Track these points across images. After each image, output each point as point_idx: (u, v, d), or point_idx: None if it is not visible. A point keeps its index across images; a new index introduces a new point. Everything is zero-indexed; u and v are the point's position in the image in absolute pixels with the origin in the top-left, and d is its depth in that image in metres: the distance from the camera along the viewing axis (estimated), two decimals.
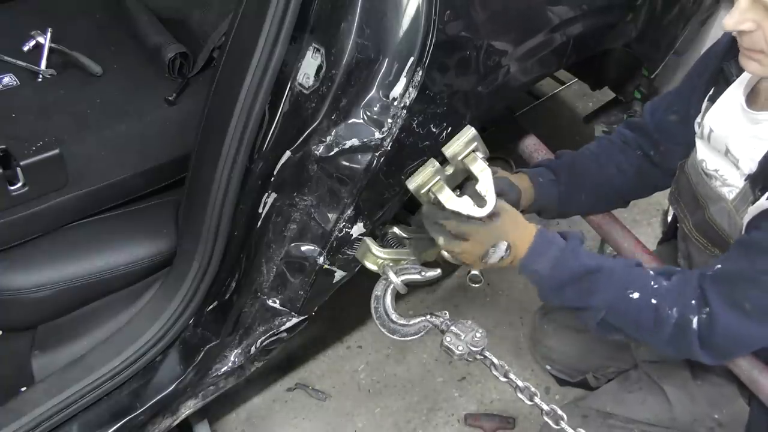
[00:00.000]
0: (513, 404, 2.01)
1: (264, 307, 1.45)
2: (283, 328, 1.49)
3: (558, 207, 1.42)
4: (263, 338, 1.50)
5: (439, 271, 1.30)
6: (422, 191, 1.22)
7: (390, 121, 1.19)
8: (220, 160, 1.27)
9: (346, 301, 2.05)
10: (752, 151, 1.10)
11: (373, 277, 1.30)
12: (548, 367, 1.70)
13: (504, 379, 1.19)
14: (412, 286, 1.30)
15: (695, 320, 1.07)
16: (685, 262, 1.39)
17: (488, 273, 2.34)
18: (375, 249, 1.30)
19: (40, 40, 1.81)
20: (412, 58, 1.15)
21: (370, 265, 1.31)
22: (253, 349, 1.51)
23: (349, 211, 1.29)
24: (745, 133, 1.13)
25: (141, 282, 1.57)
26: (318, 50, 1.17)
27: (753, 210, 1.09)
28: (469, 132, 1.21)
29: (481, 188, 1.17)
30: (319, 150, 1.23)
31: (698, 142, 1.25)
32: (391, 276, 1.26)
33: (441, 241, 1.20)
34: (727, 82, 1.20)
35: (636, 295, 1.11)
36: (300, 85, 1.20)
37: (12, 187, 1.44)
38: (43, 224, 1.51)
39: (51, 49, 1.80)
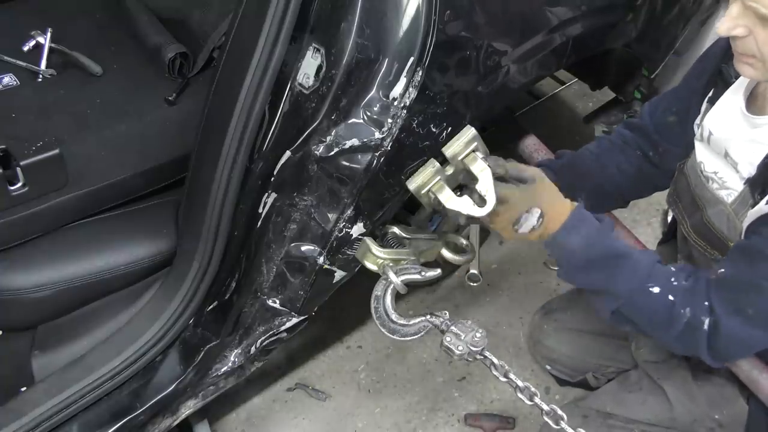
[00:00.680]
0: (513, 404, 2.01)
1: (264, 307, 1.45)
2: (283, 328, 1.49)
3: None
4: (263, 338, 1.50)
5: (439, 271, 1.30)
6: (422, 191, 1.22)
7: (390, 121, 1.19)
8: (220, 160, 1.27)
9: (346, 301, 2.05)
10: (751, 154, 1.10)
11: (373, 277, 1.30)
12: (548, 367, 1.70)
13: (504, 379, 1.19)
14: (412, 286, 1.30)
15: (707, 322, 1.08)
16: (686, 263, 1.39)
17: (488, 273, 2.35)
18: (375, 249, 1.29)
19: (40, 40, 1.81)
20: (412, 58, 1.15)
21: (370, 265, 1.31)
22: (253, 349, 1.51)
23: (349, 211, 1.29)
24: (744, 136, 1.13)
25: (141, 282, 1.57)
26: (318, 50, 1.17)
27: (753, 214, 1.09)
28: (469, 132, 1.21)
29: (481, 188, 1.16)
30: (319, 150, 1.23)
31: (697, 144, 1.25)
32: (391, 276, 1.26)
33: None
34: (727, 84, 1.20)
35: (656, 290, 1.11)
36: (300, 85, 1.20)
37: (12, 187, 1.44)
38: (43, 224, 1.51)
39: (51, 49, 1.80)
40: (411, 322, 1.25)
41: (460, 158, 1.21)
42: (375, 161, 1.22)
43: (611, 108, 2.16)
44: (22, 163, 1.43)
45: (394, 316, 1.25)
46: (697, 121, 1.26)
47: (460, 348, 1.17)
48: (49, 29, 1.81)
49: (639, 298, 1.12)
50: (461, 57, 1.23)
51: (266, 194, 1.33)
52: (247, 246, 1.41)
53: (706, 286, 1.09)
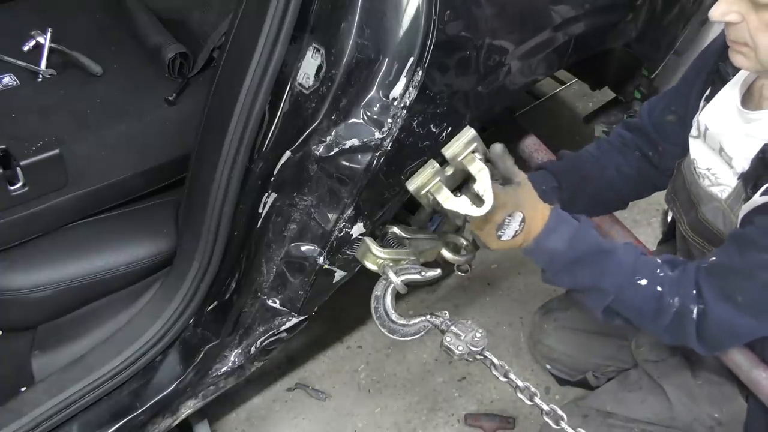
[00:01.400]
0: (513, 404, 2.01)
1: (264, 307, 1.45)
2: (283, 328, 1.49)
3: None
4: (263, 338, 1.50)
5: (439, 271, 1.30)
6: (422, 192, 1.22)
7: (390, 121, 1.19)
8: (220, 160, 1.27)
9: (346, 301, 2.05)
10: (745, 149, 1.11)
11: (373, 277, 1.29)
12: (548, 367, 1.70)
13: (504, 379, 1.19)
14: (412, 286, 1.30)
15: (695, 311, 1.08)
16: (672, 255, 1.39)
17: (488, 273, 2.35)
18: (375, 249, 1.29)
19: (40, 40, 1.81)
20: (412, 58, 1.15)
21: (370, 265, 1.31)
22: (253, 349, 1.51)
23: (349, 211, 1.29)
24: (738, 131, 1.13)
25: (141, 282, 1.57)
26: (318, 50, 1.17)
27: (746, 207, 1.09)
28: (469, 132, 1.21)
29: (479, 188, 1.16)
30: (319, 150, 1.23)
31: (692, 141, 1.25)
32: (391, 276, 1.26)
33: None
34: (724, 81, 1.20)
35: (644, 282, 1.11)
36: (300, 85, 1.20)
37: (12, 187, 1.44)
38: (43, 224, 1.51)
39: (51, 49, 1.80)
40: (411, 322, 1.24)
41: (459, 159, 1.21)
42: (375, 161, 1.22)
43: (611, 108, 2.16)
44: (22, 163, 1.43)
45: (394, 316, 1.25)
46: (695, 118, 1.26)
47: (460, 348, 1.17)
48: (49, 29, 1.81)
49: (628, 291, 1.12)
50: (461, 57, 1.23)
51: (266, 194, 1.33)
52: (247, 246, 1.41)
53: (695, 273, 1.10)
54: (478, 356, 1.19)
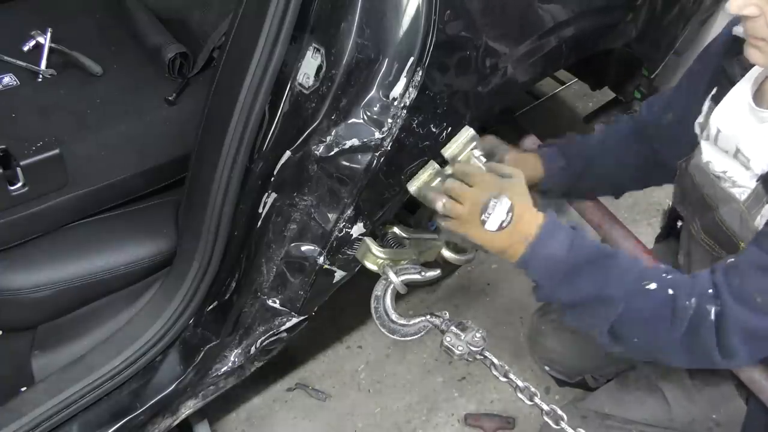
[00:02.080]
0: (513, 404, 2.01)
1: (264, 307, 1.45)
2: (283, 328, 1.49)
3: (563, 192, 1.46)
4: (263, 338, 1.50)
5: (439, 271, 1.30)
6: (422, 193, 1.22)
7: (390, 121, 1.19)
8: (220, 160, 1.27)
9: (346, 301, 2.05)
10: (764, 150, 1.08)
11: (373, 277, 1.30)
12: (547, 368, 1.70)
13: (504, 379, 1.19)
14: (412, 286, 1.30)
15: (713, 311, 1.00)
16: (685, 260, 1.39)
17: (489, 273, 2.35)
18: (375, 249, 1.30)
19: (40, 40, 1.81)
20: (412, 58, 1.15)
21: (370, 265, 1.31)
22: (253, 349, 1.51)
23: (349, 211, 1.29)
24: (755, 132, 1.10)
25: (141, 282, 1.57)
26: (318, 50, 1.17)
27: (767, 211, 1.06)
28: (468, 132, 1.21)
29: None
30: (319, 150, 1.23)
31: (703, 144, 1.22)
32: (391, 276, 1.26)
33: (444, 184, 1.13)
34: (731, 82, 1.17)
35: (653, 286, 1.03)
36: (300, 85, 1.20)
37: (12, 187, 1.44)
38: (43, 224, 1.51)
39: (51, 49, 1.80)
40: (411, 322, 1.25)
41: (459, 159, 1.22)
42: (375, 161, 1.22)
43: (611, 108, 2.17)
44: (22, 163, 1.43)
45: (394, 316, 1.25)
46: (700, 119, 1.24)
47: (460, 348, 1.17)
48: (49, 29, 1.81)
49: (637, 298, 1.03)
50: (461, 57, 1.23)
51: (266, 194, 1.33)
52: (247, 246, 1.41)
53: (710, 274, 1.03)
54: (478, 356, 1.19)
